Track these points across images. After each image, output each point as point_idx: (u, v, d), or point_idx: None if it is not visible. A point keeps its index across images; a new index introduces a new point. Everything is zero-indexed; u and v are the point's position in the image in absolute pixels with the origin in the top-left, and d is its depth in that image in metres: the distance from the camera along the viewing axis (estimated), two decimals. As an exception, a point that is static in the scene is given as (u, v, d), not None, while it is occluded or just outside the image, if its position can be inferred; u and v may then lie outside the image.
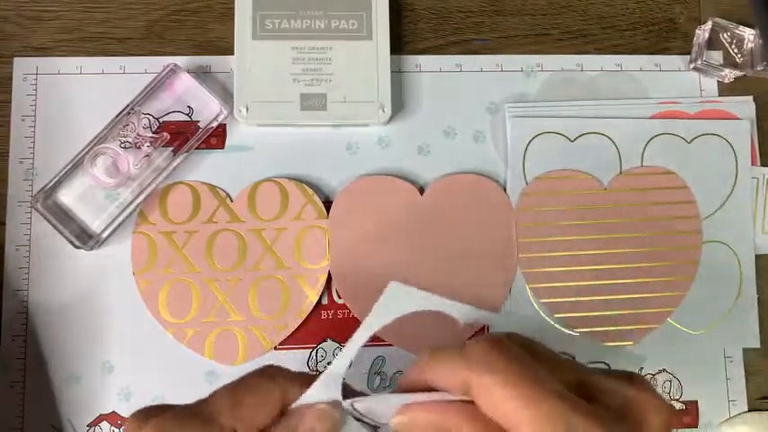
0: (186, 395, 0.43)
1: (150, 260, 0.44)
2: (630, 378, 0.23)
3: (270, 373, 0.26)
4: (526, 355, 0.23)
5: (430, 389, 0.24)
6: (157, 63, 0.45)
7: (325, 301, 0.45)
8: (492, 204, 0.46)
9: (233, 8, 0.46)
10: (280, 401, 0.25)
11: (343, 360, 0.26)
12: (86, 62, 0.46)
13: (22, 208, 0.44)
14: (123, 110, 0.44)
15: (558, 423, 0.20)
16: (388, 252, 0.45)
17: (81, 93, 0.46)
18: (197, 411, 0.24)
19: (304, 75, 0.45)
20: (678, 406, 0.46)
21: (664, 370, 0.46)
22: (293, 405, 0.25)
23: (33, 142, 0.45)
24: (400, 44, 0.48)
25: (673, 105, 0.48)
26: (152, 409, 0.25)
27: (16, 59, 0.46)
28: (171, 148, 0.45)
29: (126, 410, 0.43)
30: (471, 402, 0.23)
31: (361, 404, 0.26)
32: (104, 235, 0.43)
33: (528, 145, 0.47)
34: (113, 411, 0.43)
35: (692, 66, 0.49)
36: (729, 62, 0.48)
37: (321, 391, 0.25)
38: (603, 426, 0.20)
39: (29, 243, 0.44)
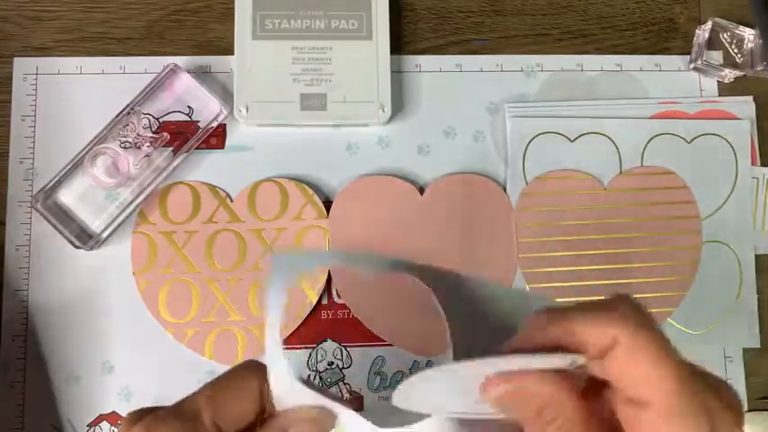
0: (186, 395, 0.43)
1: (150, 260, 0.44)
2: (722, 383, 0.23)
3: (246, 366, 0.26)
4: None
5: (542, 347, 0.21)
6: (157, 63, 0.45)
7: (325, 301, 0.45)
8: (492, 204, 0.46)
9: (233, 8, 0.46)
10: (258, 391, 0.25)
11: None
12: (86, 62, 0.46)
13: (22, 208, 0.44)
14: (123, 110, 0.44)
15: (693, 396, 0.20)
16: (387, 252, 0.45)
17: (81, 93, 0.46)
18: (181, 409, 0.24)
19: (304, 75, 0.45)
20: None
21: (664, 370, 0.46)
22: (280, 409, 0.25)
23: (33, 142, 0.45)
24: (400, 44, 0.48)
25: (673, 105, 0.48)
26: (145, 410, 0.25)
27: (16, 59, 0.46)
28: (171, 148, 0.45)
29: (126, 410, 0.43)
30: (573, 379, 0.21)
31: (402, 389, 0.23)
32: (104, 235, 0.43)
33: (528, 145, 0.47)
34: (113, 411, 0.43)
35: (692, 66, 0.49)
36: (729, 62, 0.48)
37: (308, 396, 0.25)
38: (734, 412, 0.20)
39: (29, 243, 0.44)
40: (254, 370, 0.25)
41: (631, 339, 0.20)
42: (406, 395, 0.23)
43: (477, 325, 0.26)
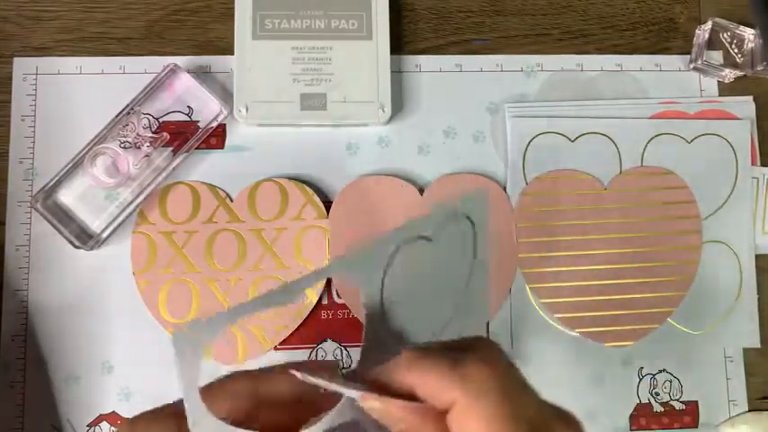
0: (186, 395, 0.43)
1: (150, 260, 0.44)
2: (569, 420, 0.24)
3: (239, 372, 0.26)
4: (516, 389, 0.23)
5: (404, 391, 0.23)
6: (157, 63, 0.45)
7: (325, 301, 0.45)
8: (492, 204, 0.46)
9: (233, 8, 0.46)
10: (248, 391, 0.25)
11: None
12: (86, 62, 0.46)
13: (21, 208, 0.44)
14: (123, 110, 0.44)
15: None
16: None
17: (81, 93, 0.46)
18: (174, 411, 0.25)
19: (304, 75, 0.45)
20: (678, 406, 0.46)
21: (664, 370, 0.46)
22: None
23: (33, 142, 0.45)
24: (400, 44, 0.48)
25: (673, 105, 0.48)
26: (146, 412, 0.25)
27: (16, 59, 0.46)
28: (171, 148, 0.45)
29: (126, 410, 0.43)
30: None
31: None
32: (104, 235, 0.43)
33: (528, 145, 0.47)
34: (113, 411, 0.43)
35: (692, 66, 0.49)
36: (729, 62, 0.48)
37: None
38: None
39: (29, 243, 0.44)
40: (247, 377, 0.25)
41: (467, 402, 0.21)
42: None
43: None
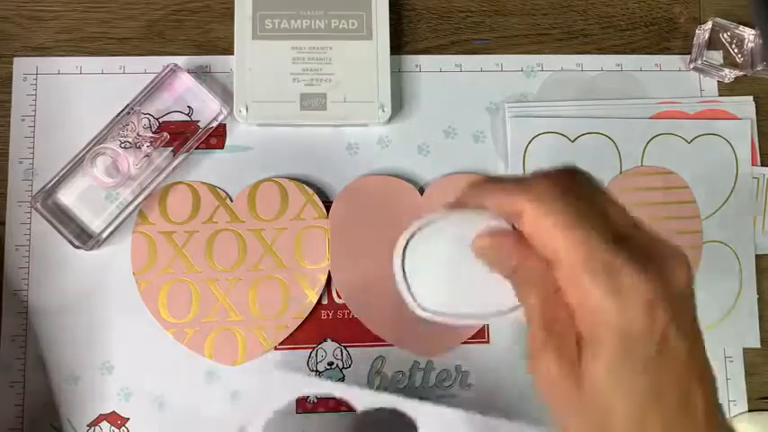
0: (186, 395, 0.43)
1: (150, 260, 0.44)
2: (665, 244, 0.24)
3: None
4: (583, 200, 0.24)
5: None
6: (157, 63, 0.45)
7: (325, 301, 0.45)
8: (492, 204, 0.46)
9: (233, 8, 0.46)
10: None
11: None
12: (86, 62, 0.46)
13: (21, 208, 0.44)
14: (123, 110, 0.44)
15: (594, 252, 0.22)
16: (388, 252, 0.45)
17: (81, 93, 0.46)
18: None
19: (304, 74, 0.45)
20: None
21: (664, 370, 0.46)
22: None
23: (33, 142, 0.45)
24: (400, 44, 0.48)
25: (673, 105, 0.48)
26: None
27: (16, 59, 0.46)
28: (171, 148, 0.45)
29: (125, 410, 0.43)
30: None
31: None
32: (104, 235, 0.43)
33: (528, 145, 0.47)
34: (113, 411, 0.43)
35: (692, 66, 0.49)
36: (729, 62, 0.48)
37: None
38: (632, 261, 0.22)
39: (29, 243, 0.44)
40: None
41: (533, 210, 0.24)
42: (413, 252, 0.27)
43: None
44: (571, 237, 0.23)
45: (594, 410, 0.23)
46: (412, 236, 0.27)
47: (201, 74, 0.46)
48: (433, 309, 0.27)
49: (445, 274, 0.28)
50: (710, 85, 0.49)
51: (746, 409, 0.46)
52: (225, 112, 0.45)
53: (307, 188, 0.45)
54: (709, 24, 0.48)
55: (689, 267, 0.24)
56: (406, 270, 0.27)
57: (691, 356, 0.24)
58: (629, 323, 0.22)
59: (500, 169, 0.47)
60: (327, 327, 0.45)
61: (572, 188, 0.24)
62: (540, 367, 0.24)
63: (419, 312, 0.27)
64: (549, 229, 0.23)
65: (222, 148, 0.46)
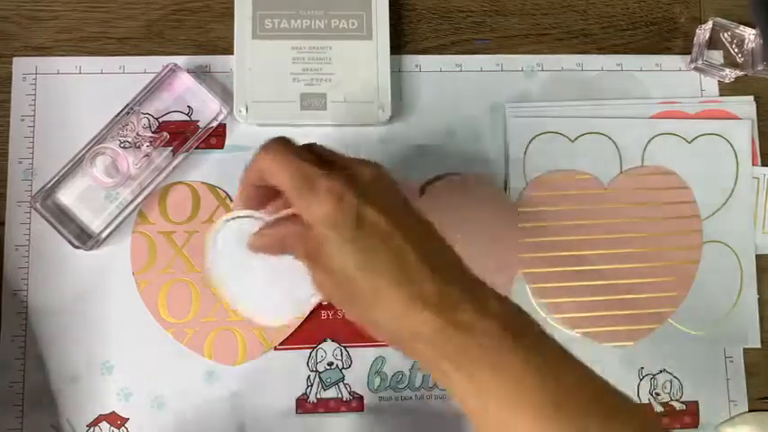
0: (186, 395, 0.43)
1: (150, 260, 0.44)
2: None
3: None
4: (304, 151, 0.32)
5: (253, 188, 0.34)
6: (157, 63, 0.45)
7: (325, 301, 0.45)
8: (492, 204, 0.46)
9: (233, 8, 0.46)
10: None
11: None
12: (86, 62, 0.46)
13: (21, 208, 0.44)
14: (123, 110, 0.44)
15: (305, 176, 0.30)
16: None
17: (80, 93, 0.46)
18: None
19: (304, 74, 0.45)
20: (678, 406, 0.46)
21: (664, 370, 0.46)
22: None
23: (32, 142, 0.45)
24: (400, 44, 0.48)
25: (673, 105, 0.48)
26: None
27: (16, 59, 0.46)
28: (171, 148, 0.45)
29: (125, 410, 0.43)
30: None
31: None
32: (104, 235, 0.43)
33: (528, 145, 0.47)
34: (113, 411, 0.43)
35: (692, 65, 0.49)
36: (730, 62, 0.48)
37: None
38: (326, 171, 0.30)
39: (28, 243, 0.44)
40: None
41: (263, 162, 0.32)
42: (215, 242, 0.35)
43: None
44: (284, 163, 0.30)
45: (347, 286, 0.30)
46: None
47: (201, 74, 0.46)
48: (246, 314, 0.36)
49: (249, 277, 0.35)
50: (711, 84, 0.49)
51: (746, 409, 0.46)
52: (225, 111, 0.45)
53: (307, 188, 0.45)
54: (709, 24, 0.48)
55: (377, 167, 0.32)
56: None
57: (391, 224, 0.30)
58: (327, 210, 0.29)
59: (500, 169, 0.47)
60: (327, 327, 0.45)
61: (288, 143, 0.32)
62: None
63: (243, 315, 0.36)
64: (270, 164, 0.31)
65: (222, 147, 0.46)
